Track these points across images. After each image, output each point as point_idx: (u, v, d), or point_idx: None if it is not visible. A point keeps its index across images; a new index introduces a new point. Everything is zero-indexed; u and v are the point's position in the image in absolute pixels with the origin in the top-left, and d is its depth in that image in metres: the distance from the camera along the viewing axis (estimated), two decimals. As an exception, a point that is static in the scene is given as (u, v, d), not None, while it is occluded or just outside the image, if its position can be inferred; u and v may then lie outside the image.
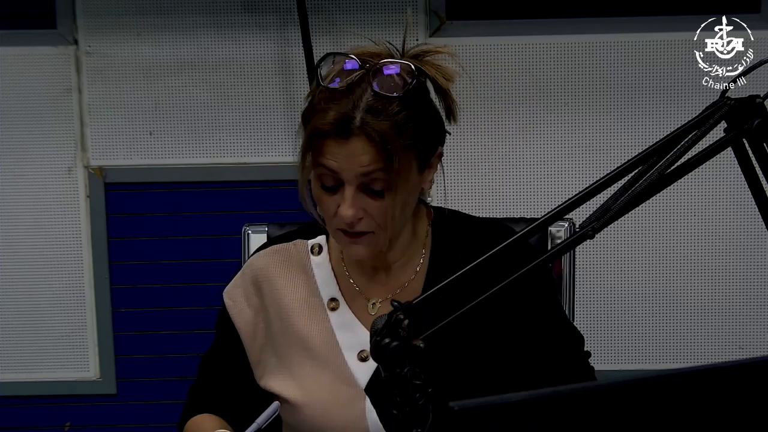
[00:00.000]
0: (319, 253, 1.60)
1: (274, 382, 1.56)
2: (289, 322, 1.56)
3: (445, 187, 1.57)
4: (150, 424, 3.00)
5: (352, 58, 1.42)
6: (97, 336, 2.94)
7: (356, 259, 1.53)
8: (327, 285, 1.57)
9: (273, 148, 2.85)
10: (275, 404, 1.39)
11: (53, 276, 2.92)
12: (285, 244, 1.62)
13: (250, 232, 1.83)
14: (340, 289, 1.57)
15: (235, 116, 2.85)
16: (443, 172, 1.54)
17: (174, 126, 2.86)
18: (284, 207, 2.87)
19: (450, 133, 1.52)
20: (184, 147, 2.87)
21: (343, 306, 1.56)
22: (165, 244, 2.92)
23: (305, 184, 1.47)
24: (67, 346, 2.95)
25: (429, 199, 1.56)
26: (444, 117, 1.51)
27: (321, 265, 1.59)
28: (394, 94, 1.40)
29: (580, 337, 1.58)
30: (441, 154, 1.52)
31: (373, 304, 1.55)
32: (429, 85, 1.48)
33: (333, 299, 1.56)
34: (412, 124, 1.42)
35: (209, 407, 1.59)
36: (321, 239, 1.61)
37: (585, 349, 1.59)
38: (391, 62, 1.43)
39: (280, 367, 1.56)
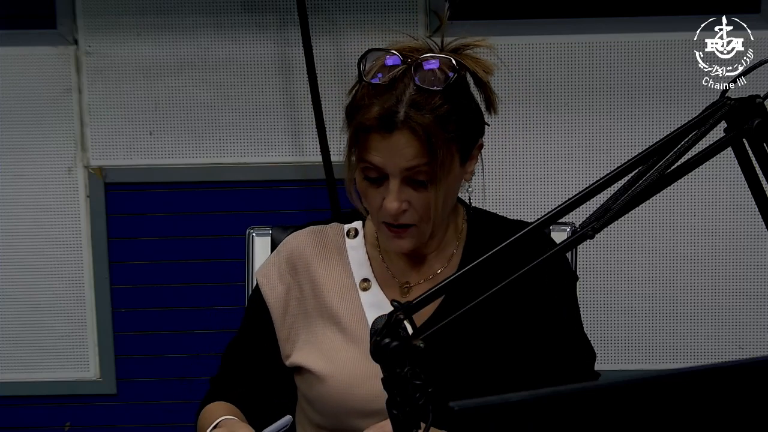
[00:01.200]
0: (355, 236, 1.63)
1: (301, 355, 1.58)
2: (321, 299, 1.59)
3: (485, 181, 1.60)
4: (150, 424, 3.00)
5: (394, 54, 1.45)
6: (97, 336, 2.94)
7: (396, 252, 1.56)
8: (360, 267, 1.61)
9: (273, 148, 2.85)
10: (287, 417, 1.40)
11: (53, 276, 2.92)
12: (321, 225, 1.66)
13: (254, 234, 1.83)
14: (373, 271, 1.60)
15: (235, 116, 2.85)
16: (482, 167, 1.57)
17: (174, 126, 2.86)
18: (284, 207, 2.88)
19: (489, 125, 1.54)
20: (184, 147, 2.87)
21: (375, 287, 1.59)
22: (165, 244, 2.92)
23: (352, 179, 1.51)
24: (67, 346, 2.95)
25: (470, 189, 1.59)
26: (484, 109, 1.54)
27: (356, 248, 1.62)
28: (436, 88, 1.43)
29: (593, 355, 1.59)
30: (481, 146, 1.55)
31: (406, 288, 1.58)
32: (468, 78, 1.51)
33: (365, 280, 1.60)
34: (454, 117, 1.45)
35: (227, 396, 1.60)
36: (357, 224, 1.65)
37: (595, 368, 1.60)
38: (431, 56, 1.46)
39: (309, 341, 1.59)
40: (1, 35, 2.84)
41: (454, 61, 1.46)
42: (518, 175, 2.83)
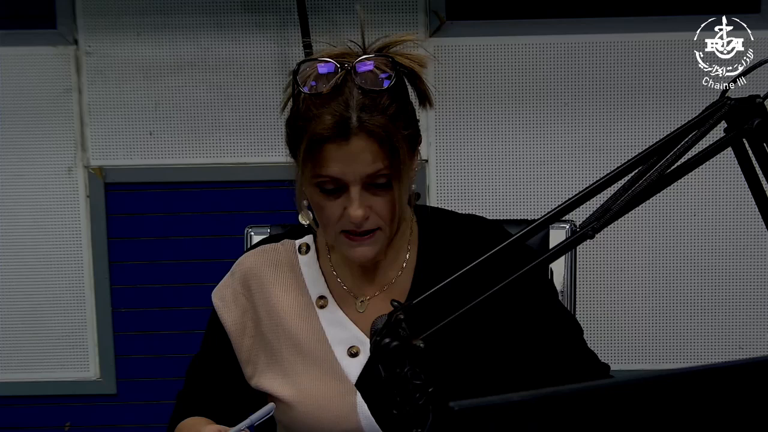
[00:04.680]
0: (307, 252, 1.61)
1: (266, 381, 1.57)
2: (278, 320, 1.57)
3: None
4: (150, 424, 3.00)
5: (327, 61, 1.42)
6: (97, 336, 2.94)
7: (360, 261, 1.53)
8: (315, 283, 1.58)
9: (273, 148, 2.85)
10: (271, 405, 1.40)
11: (53, 276, 2.92)
12: (273, 244, 1.64)
13: (252, 233, 1.83)
14: (328, 287, 1.58)
15: (235, 116, 2.85)
16: (420, 158, 1.55)
17: (174, 126, 2.86)
18: (284, 207, 2.87)
19: (419, 120, 1.53)
20: (184, 147, 2.87)
21: (332, 303, 1.57)
22: (165, 244, 2.92)
23: (302, 194, 1.49)
24: (67, 346, 2.95)
25: (414, 188, 1.57)
26: (418, 104, 1.51)
27: (308, 264, 1.60)
28: (382, 88, 1.41)
29: (579, 328, 1.59)
30: (420, 141, 1.53)
31: (362, 302, 1.56)
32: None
33: (321, 297, 1.58)
34: (402, 114, 1.44)
35: (197, 411, 1.59)
36: (308, 239, 1.62)
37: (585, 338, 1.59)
38: (366, 59, 1.43)
39: (271, 365, 1.57)
40: (1, 35, 2.84)
41: (390, 61, 1.44)
42: (518, 175, 2.83)
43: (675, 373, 0.92)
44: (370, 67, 1.43)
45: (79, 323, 2.94)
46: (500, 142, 2.81)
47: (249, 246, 1.83)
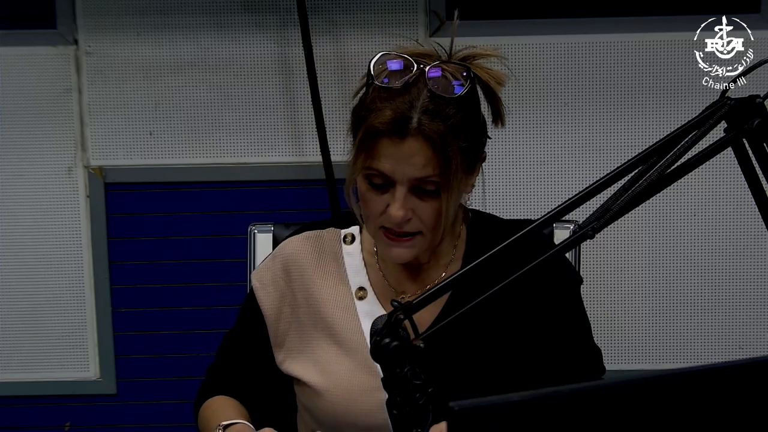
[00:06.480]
0: (352, 242, 1.61)
1: (297, 366, 1.57)
2: (316, 308, 1.57)
3: (484, 188, 1.58)
4: (150, 424, 3.00)
5: (405, 58, 1.43)
6: (97, 336, 2.94)
7: (395, 261, 1.53)
8: (356, 274, 1.58)
9: (273, 148, 2.85)
10: None
11: (53, 276, 2.92)
12: (318, 231, 1.63)
13: (256, 231, 1.84)
14: (369, 279, 1.58)
15: (235, 116, 2.85)
16: (482, 174, 1.56)
17: (174, 126, 2.86)
18: (284, 207, 2.87)
19: (491, 138, 1.53)
20: (184, 147, 2.87)
21: (371, 296, 1.57)
22: (165, 244, 2.92)
23: (352, 183, 1.48)
24: (67, 346, 2.95)
25: (468, 202, 1.57)
26: (490, 121, 1.52)
27: (352, 255, 1.60)
28: (451, 96, 1.41)
29: (601, 367, 1.59)
30: (484, 158, 1.53)
31: (402, 298, 1.55)
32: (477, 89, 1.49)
33: (361, 288, 1.58)
34: (466, 127, 1.43)
35: (226, 389, 1.60)
36: (354, 229, 1.62)
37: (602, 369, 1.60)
38: (445, 63, 1.43)
39: (304, 351, 1.57)
40: (1, 35, 2.84)
41: (468, 71, 1.44)
42: (518, 175, 2.83)
43: (675, 373, 0.92)
44: (447, 74, 1.43)
45: (79, 323, 2.94)
46: (500, 142, 2.81)
47: (253, 243, 1.83)
